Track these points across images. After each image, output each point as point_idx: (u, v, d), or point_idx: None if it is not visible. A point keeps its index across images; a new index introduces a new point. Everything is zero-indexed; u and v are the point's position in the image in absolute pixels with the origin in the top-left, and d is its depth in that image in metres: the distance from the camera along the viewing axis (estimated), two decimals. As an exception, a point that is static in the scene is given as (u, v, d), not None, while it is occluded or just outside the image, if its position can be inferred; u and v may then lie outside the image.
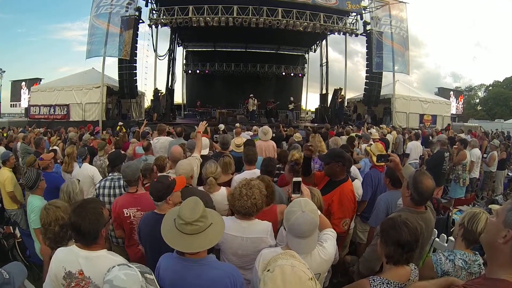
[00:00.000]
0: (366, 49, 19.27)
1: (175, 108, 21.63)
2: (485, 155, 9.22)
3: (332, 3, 17.57)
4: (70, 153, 5.20)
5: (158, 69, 18.64)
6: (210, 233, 1.82)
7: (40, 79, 28.59)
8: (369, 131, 10.02)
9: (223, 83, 25.30)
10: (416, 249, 1.85)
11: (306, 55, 26.44)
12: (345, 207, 3.12)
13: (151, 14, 17.14)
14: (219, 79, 25.45)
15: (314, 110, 25.10)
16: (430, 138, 11.31)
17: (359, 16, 18.85)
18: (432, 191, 2.37)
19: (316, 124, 17.66)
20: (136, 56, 17.20)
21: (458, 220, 2.30)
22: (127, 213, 3.09)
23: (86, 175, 4.75)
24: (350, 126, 13.11)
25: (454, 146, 7.36)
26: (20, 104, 31.53)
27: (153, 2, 17.25)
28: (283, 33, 18.33)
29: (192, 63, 25.48)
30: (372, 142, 6.50)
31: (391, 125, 16.19)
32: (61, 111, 17.69)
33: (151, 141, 6.84)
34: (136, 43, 17.06)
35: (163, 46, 20.53)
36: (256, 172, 3.98)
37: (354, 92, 24.21)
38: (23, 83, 31.21)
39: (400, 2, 19.58)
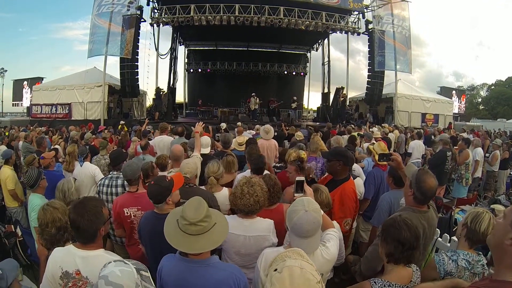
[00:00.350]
0: (368, 48, 19.25)
1: (176, 107, 21.65)
2: (487, 155, 9.18)
3: (334, 2, 17.55)
4: (71, 152, 5.19)
5: (160, 68, 18.74)
6: (214, 233, 1.79)
7: (42, 78, 28.69)
8: (370, 130, 10.00)
9: (225, 82, 25.31)
10: (417, 248, 1.83)
11: (308, 54, 26.46)
12: (347, 207, 3.11)
13: (152, 13, 17.17)
14: (221, 78, 25.45)
15: (316, 109, 25.11)
16: (432, 137, 11.28)
17: (361, 15, 18.83)
18: (435, 190, 2.35)
19: (318, 123, 17.65)
20: (137, 55, 17.24)
21: (461, 220, 2.27)
22: (127, 213, 3.08)
23: (88, 174, 4.73)
24: (352, 125, 13.08)
25: (455, 147, 7.31)
26: (22, 103, 31.62)
27: (155, 1, 17.26)
28: (285, 32, 18.32)
29: (194, 62, 25.50)
30: (374, 141, 6.47)
31: (393, 124, 16.13)
32: (63, 110, 17.74)
33: (153, 140, 6.85)
34: (138, 42, 17.10)
35: (165, 45, 20.73)
36: None
37: (356, 91, 24.19)
38: (25, 82, 31.33)
39: (402, 1, 19.52)
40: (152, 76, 18.68)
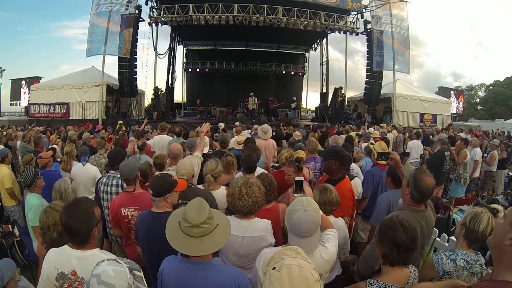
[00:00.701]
0: (367, 48, 19.27)
1: (175, 107, 21.62)
2: (485, 155, 9.20)
3: (332, 2, 17.56)
4: (69, 152, 5.18)
5: (158, 67, 18.70)
6: (217, 234, 1.78)
7: (40, 78, 28.62)
8: (368, 130, 10.01)
9: (223, 81, 25.26)
10: (413, 250, 1.80)
11: (307, 54, 26.45)
12: (344, 206, 3.11)
13: (151, 12, 17.14)
14: (219, 78, 25.41)
15: (314, 109, 25.12)
16: (431, 137, 11.29)
17: (359, 15, 18.84)
18: (432, 189, 2.36)
19: (316, 123, 17.65)
20: (136, 55, 17.21)
21: (460, 220, 2.28)
22: (124, 213, 3.07)
23: (89, 176, 4.70)
24: (350, 125, 13.09)
25: (452, 148, 7.32)
26: (20, 102, 31.53)
27: (153, 1, 17.23)
28: (283, 31, 18.31)
29: (192, 61, 25.46)
30: (373, 141, 6.48)
31: (391, 124, 16.17)
32: (61, 109, 17.69)
33: (153, 139, 6.85)
34: (136, 42, 17.08)
35: (163, 45, 20.69)
36: (258, 169, 3.95)
37: (354, 91, 24.28)
38: (23, 81, 31.24)
39: (401, 1, 19.54)
40: (151, 75, 18.67)
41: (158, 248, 2.32)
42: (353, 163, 4.60)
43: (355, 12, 18.74)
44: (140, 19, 17.19)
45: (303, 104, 27.68)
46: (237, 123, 10.59)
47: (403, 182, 2.51)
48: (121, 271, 1.35)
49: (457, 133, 12.98)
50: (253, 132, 8.86)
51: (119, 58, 16.71)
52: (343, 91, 19.33)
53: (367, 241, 3.66)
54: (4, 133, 10.68)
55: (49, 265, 1.89)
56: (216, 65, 24.74)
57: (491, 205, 4.02)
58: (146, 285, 1.44)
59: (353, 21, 19.06)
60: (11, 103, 33.06)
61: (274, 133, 7.44)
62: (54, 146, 7.36)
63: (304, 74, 26.49)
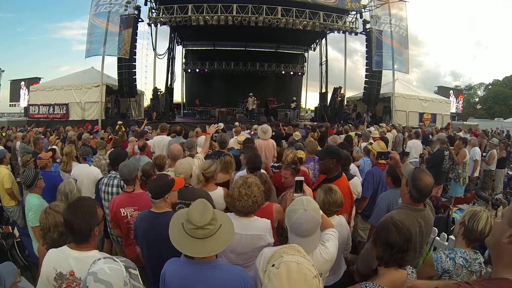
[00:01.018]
0: (366, 47, 19.27)
1: (174, 107, 21.60)
2: (484, 154, 9.21)
3: (331, 2, 17.54)
4: (69, 152, 5.17)
5: (158, 68, 18.72)
6: (221, 235, 1.77)
7: (40, 79, 28.52)
8: (368, 129, 10.01)
9: (223, 82, 25.31)
10: (407, 251, 1.78)
11: (306, 54, 26.43)
12: None
13: (150, 13, 17.15)
14: (219, 78, 25.46)
15: (313, 108, 25.13)
16: (430, 136, 11.30)
17: (358, 15, 18.85)
18: (431, 188, 2.36)
19: (315, 123, 17.65)
20: (135, 55, 17.20)
21: (459, 219, 2.29)
22: (124, 213, 3.07)
23: (91, 177, 4.66)
24: (350, 125, 13.09)
25: (451, 147, 7.33)
26: (19, 103, 31.48)
27: (152, 1, 17.23)
28: (282, 31, 18.34)
29: (192, 62, 25.45)
30: (372, 141, 6.49)
31: (390, 124, 16.17)
32: (60, 110, 17.66)
33: (153, 139, 6.86)
34: (136, 42, 17.07)
35: (163, 45, 20.66)
36: None
37: (353, 91, 24.25)
38: (22, 82, 31.12)
39: (400, 0, 19.53)
40: (150, 76, 18.65)
41: (158, 248, 2.33)
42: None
43: (354, 12, 18.74)
44: (139, 20, 17.17)
45: (303, 104, 27.73)
46: (237, 123, 10.58)
47: (402, 181, 2.52)
48: (117, 269, 1.36)
49: (456, 133, 12.99)
50: (252, 132, 8.86)
51: (118, 58, 16.71)
52: (342, 91, 19.33)
53: (367, 240, 3.67)
54: (4, 134, 10.69)
55: (48, 265, 1.89)
56: (215, 66, 24.75)
57: (496, 196, 4.04)
58: (142, 284, 1.45)
59: (352, 21, 19.08)
60: (10, 104, 32.98)
61: (273, 133, 7.44)
62: (54, 147, 7.35)
63: (303, 74, 26.48)
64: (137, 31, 17.10)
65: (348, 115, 20.16)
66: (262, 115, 20.23)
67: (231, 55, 24.98)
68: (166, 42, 19.85)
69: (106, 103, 17.31)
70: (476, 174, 8.17)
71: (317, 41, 23.17)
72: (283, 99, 20.47)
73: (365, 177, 4.32)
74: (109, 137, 9.11)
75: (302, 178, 2.38)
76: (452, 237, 3.04)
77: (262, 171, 3.92)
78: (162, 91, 18.15)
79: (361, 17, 18.92)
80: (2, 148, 7.03)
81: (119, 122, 12.98)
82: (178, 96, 25.86)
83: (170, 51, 19.80)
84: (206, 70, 24.84)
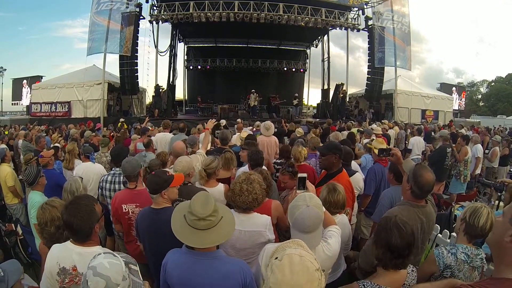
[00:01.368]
0: (368, 44, 19.20)
1: (176, 104, 21.63)
2: (487, 151, 9.18)
3: (333, -2, 17.47)
4: (71, 150, 5.19)
5: (159, 65, 18.79)
6: (223, 226, 1.81)
7: (41, 77, 28.59)
8: (370, 126, 9.99)
9: (225, 78, 25.29)
10: (408, 256, 1.73)
11: (308, 51, 26.35)
12: None
13: (151, 10, 17.11)
14: (221, 75, 25.44)
15: (315, 105, 25.06)
16: (433, 133, 11.27)
17: (360, 11, 18.75)
18: (432, 184, 2.36)
19: (317, 119, 17.63)
20: (137, 53, 17.19)
21: (460, 215, 2.28)
22: (125, 209, 3.08)
23: (98, 173, 4.68)
24: (352, 122, 13.07)
25: (454, 145, 7.30)
26: (21, 102, 31.56)
27: (154, -2, 17.18)
28: (284, 28, 18.26)
29: (193, 59, 25.41)
30: (374, 137, 6.47)
31: (393, 121, 16.13)
32: (62, 108, 17.72)
33: (155, 136, 6.88)
34: (137, 40, 17.05)
35: (164, 42, 20.54)
36: None
37: (356, 87, 24.15)
38: (25, 81, 31.24)
39: (402, -4, 19.43)
40: (152, 73, 18.74)
41: (159, 243, 2.35)
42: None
43: (356, 9, 18.67)
44: (141, 17, 17.16)
45: (305, 101, 27.69)
46: (239, 120, 10.61)
47: (404, 177, 2.51)
48: (116, 264, 1.37)
49: (458, 130, 12.94)
50: (254, 129, 8.87)
51: (120, 56, 16.69)
52: (344, 88, 19.30)
53: (370, 237, 3.67)
54: (6, 133, 10.73)
55: (51, 260, 1.92)
56: (217, 62, 24.72)
57: (504, 180, 4.02)
58: (142, 279, 1.46)
59: (354, 17, 18.97)
60: (12, 103, 33.10)
61: (276, 130, 7.44)
62: (57, 144, 7.38)
63: (306, 70, 26.44)
64: (139, 28, 17.08)
65: (350, 112, 20.12)
66: (264, 111, 20.23)
67: (233, 52, 24.92)
68: (168, 39, 19.87)
69: (108, 100, 17.34)
70: (478, 171, 8.15)
71: (319, 37, 23.05)
72: (285, 96, 20.46)
73: (367, 174, 4.31)
74: (111, 135, 9.14)
75: (305, 175, 2.38)
76: (454, 234, 3.03)
77: (264, 167, 3.93)
78: (164, 88, 18.16)
79: (363, 14, 18.80)
80: (5, 146, 7.08)
81: (121, 120, 13.03)
82: (180, 93, 25.88)
83: (172, 48, 19.78)
84: (208, 67, 24.81)
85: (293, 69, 25.50)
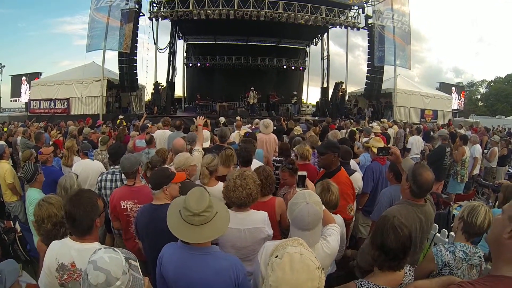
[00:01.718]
0: (368, 43, 19.21)
1: (175, 101, 21.65)
2: (485, 151, 9.18)
3: (333, -4, 17.46)
4: (70, 147, 5.18)
5: (159, 62, 18.73)
6: (217, 222, 1.83)
7: (40, 73, 28.50)
8: (370, 125, 9.99)
9: (224, 76, 25.26)
10: (403, 259, 1.72)
11: (307, 49, 26.40)
12: (345, 193, 3.16)
13: (151, 7, 17.11)
14: (220, 72, 25.41)
15: (315, 103, 25.10)
16: (431, 133, 11.27)
17: (361, 10, 18.79)
18: (431, 183, 2.36)
19: (316, 118, 17.64)
20: (136, 50, 17.17)
21: (458, 214, 2.29)
22: (123, 206, 3.08)
23: (97, 170, 4.66)
24: (351, 120, 13.07)
25: (452, 144, 7.31)
26: (20, 99, 31.48)
27: (153, -5, 17.12)
28: (284, 26, 18.27)
29: (193, 56, 25.41)
30: (373, 136, 6.48)
31: (392, 120, 16.14)
32: (61, 105, 17.63)
33: (155, 133, 6.87)
34: (137, 36, 17.03)
35: (164, 39, 20.55)
36: (258, 163, 3.99)
37: (355, 86, 24.17)
38: (23, 77, 31.10)
39: (402, -5, 19.42)
40: (151, 70, 18.69)
41: (158, 240, 2.34)
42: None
43: (356, 7, 18.69)
44: (140, 14, 17.13)
45: (304, 99, 27.72)
46: (238, 117, 10.60)
47: (403, 176, 2.51)
48: (116, 258, 1.37)
49: (457, 129, 12.95)
50: (253, 127, 8.86)
51: (119, 53, 16.67)
52: (344, 86, 19.32)
53: (368, 236, 3.68)
54: (5, 129, 10.69)
55: (50, 256, 1.93)
56: (217, 60, 24.68)
57: (501, 181, 4.03)
58: (142, 275, 1.46)
59: (354, 15, 19.01)
60: (11, 100, 33.01)
61: (275, 128, 7.44)
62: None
63: (305, 68, 26.45)
64: (138, 25, 17.07)
65: (349, 110, 20.14)
66: (263, 109, 20.25)
67: (233, 49, 24.89)
68: (167, 36, 19.86)
69: (107, 97, 17.30)
70: (476, 171, 8.15)
71: (319, 35, 23.07)
72: (284, 94, 20.46)
73: (365, 172, 4.32)
74: (110, 131, 9.13)
75: (304, 173, 2.38)
76: (452, 233, 3.04)
77: (263, 164, 3.93)
78: (163, 86, 18.16)
79: (363, 12, 18.84)
80: (3, 143, 7.06)
81: (120, 117, 13.00)
82: (180, 90, 25.93)
83: (171, 45, 19.77)
84: (207, 64, 24.76)
85: (293, 67, 25.49)
